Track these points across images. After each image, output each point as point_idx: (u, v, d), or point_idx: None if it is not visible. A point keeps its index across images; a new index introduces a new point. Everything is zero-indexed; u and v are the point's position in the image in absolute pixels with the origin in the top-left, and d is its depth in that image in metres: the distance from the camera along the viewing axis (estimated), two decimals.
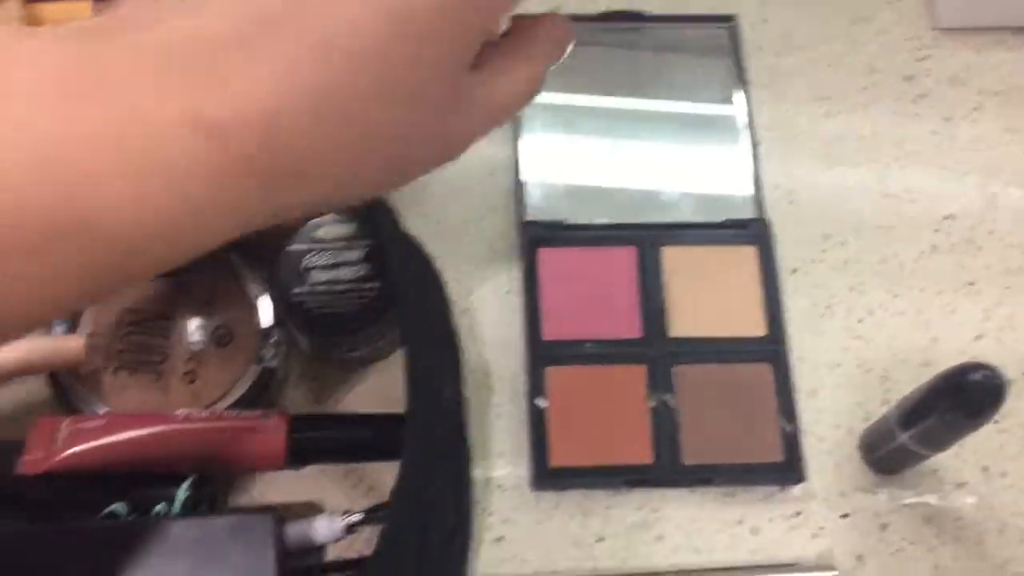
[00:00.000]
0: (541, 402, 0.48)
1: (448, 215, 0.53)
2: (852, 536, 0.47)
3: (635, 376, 0.49)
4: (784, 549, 0.47)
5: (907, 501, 0.48)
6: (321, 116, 0.23)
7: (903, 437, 0.43)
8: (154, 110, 0.21)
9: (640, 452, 0.47)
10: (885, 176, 0.55)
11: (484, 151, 0.55)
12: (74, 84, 0.21)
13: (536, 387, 0.48)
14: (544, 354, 0.49)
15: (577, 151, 0.54)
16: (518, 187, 0.53)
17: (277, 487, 0.46)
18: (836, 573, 0.45)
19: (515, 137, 0.54)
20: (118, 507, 0.42)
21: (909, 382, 0.47)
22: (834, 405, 0.50)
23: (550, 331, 0.49)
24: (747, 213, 0.53)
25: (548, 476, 0.47)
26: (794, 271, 0.53)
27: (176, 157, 0.21)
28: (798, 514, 0.48)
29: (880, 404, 0.50)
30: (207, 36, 0.22)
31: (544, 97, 0.54)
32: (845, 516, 0.48)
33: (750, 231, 0.52)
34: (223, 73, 0.22)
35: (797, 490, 0.48)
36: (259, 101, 0.22)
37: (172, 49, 0.22)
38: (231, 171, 0.22)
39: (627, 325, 0.50)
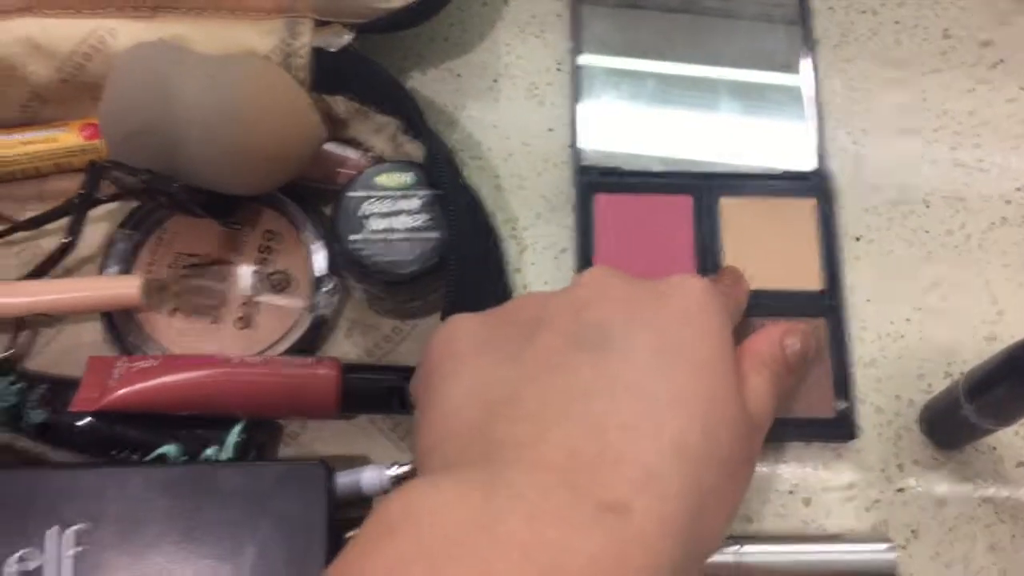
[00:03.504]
0: None
1: (504, 171, 0.53)
2: (907, 511, 0.46)
3: None
4: (836, 521, 0.46)
5: (966, 478, 0.47)
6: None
7: (968, 409, 0.42)
8: (575, 512, 0.26)
9: None
10: (956, 144, 0.54)
11: (542, 108, 0.54)
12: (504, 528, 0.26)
13: None
14: None
15: (636, 107, 0.53)
16: (574, 132, 0.52)
17: (325, 438, 0.46)
18: (889, 546, 0.44)
19: (574, 94, 0.53)
20: (169, 449, 0.43)
21: (974, 356, 0.46)
22: (895, 376, 0.49)
23: None
24: (808, 166, 0.52)
25: None
26: (858, 238, 0.51)
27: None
28: (851, 486, 0.47)
29: (943, 377, 0.49)
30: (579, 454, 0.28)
31: (603, 60, 0.54)
32: (901, 490, 0.47)
33: (810, 183, 0.51)
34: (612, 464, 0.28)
35: (852, 461, 0.47)
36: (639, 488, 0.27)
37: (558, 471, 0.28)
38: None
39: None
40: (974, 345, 0.49)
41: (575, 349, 0.31)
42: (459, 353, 0.33)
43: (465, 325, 0.35)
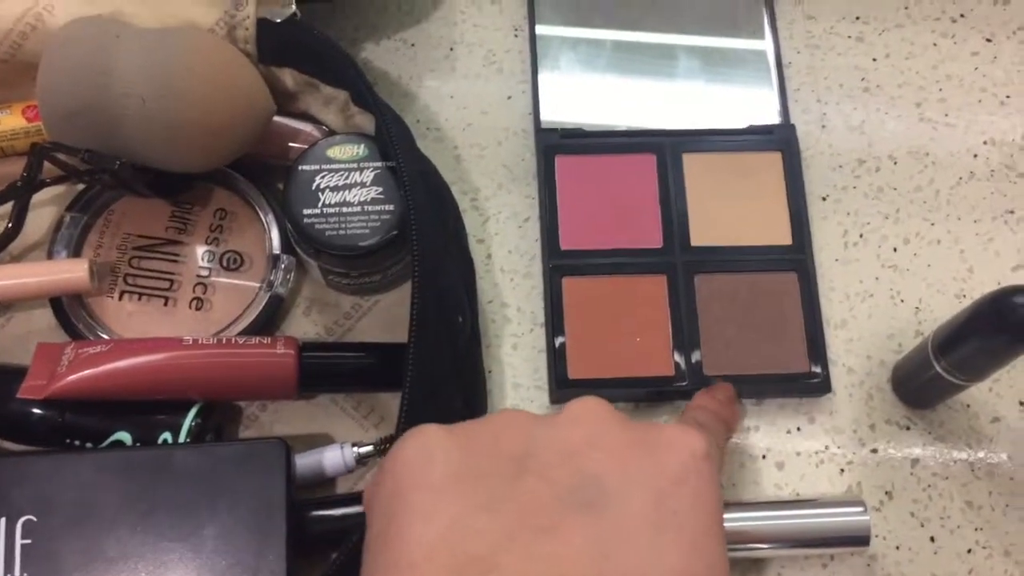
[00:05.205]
0: (560, 339, 0.46)
1: (463, 141, 0.51)
2: (881, 472, 0.46)
3: (655, 286, 0.47)
4: (809, 485, 0.45)
5: (939, 437, 0.46)
6: None
7: (940, 365, 0.41)
8: None
9: (661, 364, 0.46)
10: (922, 99, 0.53)
11: (502, 76, 0.53)
12: None
13: (554, 298, 0.47)
14: (561, 264, 0.47)
15: (596, 74, 0.52)
16: (536, 95, 0.51)
17: (286, 419, 0.45)
18: (862, 509, 0.44)
19: (534, 58, 0.52)
20: (123, 435, 0.41)
21: (944, 314, 0.45)
22: (865, 336, 0.48)
23: (568, 240, 0.48)
24: (772, 119, 0.51)
25: (566, 388, 0.45)
26: (825, 198, 0.51)
27: None
28: (825, 448, 0.46)
29: (913, 336, 0.48)
30: None
31: (561, 30, 0.53)
32: (874, 451, 0.46)
33: (775, 136, 0.50)
34: None
35: (824, 424, 0.46)
36: None
37: None
38: None
39: (647, 234, 0.48)
40: (944, 303, 0.49)
41: (565, 508, 0.28)
42: (434, 485, 0.29)
43: (440, 444, 0.31)
